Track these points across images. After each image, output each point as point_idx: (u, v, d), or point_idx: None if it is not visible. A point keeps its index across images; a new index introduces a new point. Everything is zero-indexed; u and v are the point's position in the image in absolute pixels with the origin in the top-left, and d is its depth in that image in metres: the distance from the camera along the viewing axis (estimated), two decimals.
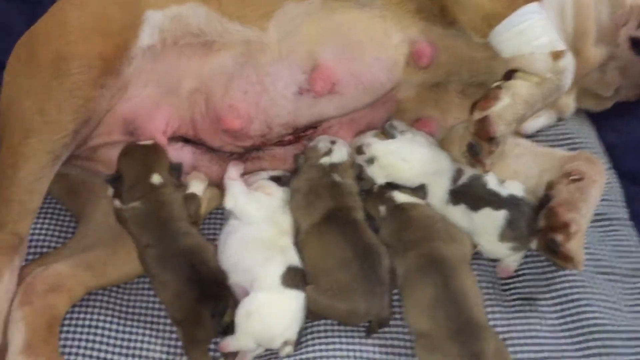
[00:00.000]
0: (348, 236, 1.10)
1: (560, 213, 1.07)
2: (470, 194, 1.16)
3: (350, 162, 1.21)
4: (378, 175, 1.20)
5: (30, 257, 1.16)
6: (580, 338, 1.07)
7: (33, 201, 1.06)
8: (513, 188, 1.16)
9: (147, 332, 1.10)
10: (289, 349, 1.05)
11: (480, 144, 1.09)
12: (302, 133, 1.24)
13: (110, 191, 1.15)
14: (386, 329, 1.09)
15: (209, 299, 1.04)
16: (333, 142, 1.21)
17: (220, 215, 1.26)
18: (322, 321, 1.11)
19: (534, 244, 1.13)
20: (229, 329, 1.05)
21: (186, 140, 1.21)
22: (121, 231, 1.12)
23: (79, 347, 1.05)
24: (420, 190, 1.18)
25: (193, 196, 1.15)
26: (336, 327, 1.10)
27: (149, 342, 1.09)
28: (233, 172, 1.21)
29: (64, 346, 1.05)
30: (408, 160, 1.19)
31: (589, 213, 1.11)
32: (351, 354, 1.06)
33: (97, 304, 1.11)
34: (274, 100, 1.16)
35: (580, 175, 1.13)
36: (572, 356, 1.06)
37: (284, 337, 1.05)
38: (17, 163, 1.04)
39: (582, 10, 1.23)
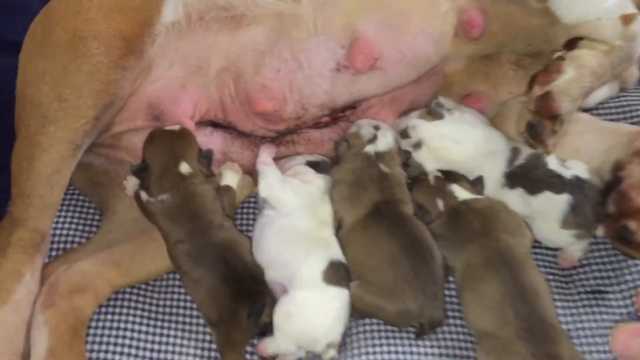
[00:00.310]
0: (396, 231, 1.01)
1: (633, 197, 0.97)
2: (529, 176, 1.06)
3: (397, 149, 1.10)
4: (427, 160, 1.10)
5: (53, 253, 1.09)
6: None
7: (53, 195, 0.98)
8: (577, 169, 1.06)
9: (179, 333, 1.02)
10: (332, 353, 0.97)
11: (542, 122, 0.99)
12: (339, 114, 1.14)
13: (130, 185, 1.06)
14: (439, 331, 1.00)
15: (245, 297, 0.96)
16: (377, 128, 1.11)
17: (253, 205, 1.17)
18: (368, 320, 1.02)
19: (600, 231, 1.04)
20: (267, 330, 0.97)
21: (215, 124, 1.12)
22: (148, 224, 1.04)
23: (106, 351, 0.98)
24: (478, 183, 1.08)
25: (227, 189, 1.07)
26: (383, 328, 1.01)
27: (181, 345, 1.01)
28: (266, 155, 1.11)
29: (91, 350, 0.97)
30: (460, 142, 1.09)
31: None
32: (401, 357, 0.97)
33: (125, 303, 1.03)
34: (309, 78, 1.06)
35: None
36: None
37: (327, 339, 0.96)
38: (35, 154, 0.96)
39: None
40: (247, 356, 0.99)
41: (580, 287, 1.05)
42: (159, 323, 1.02)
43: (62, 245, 1.10)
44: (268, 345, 0.97)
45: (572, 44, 1.00)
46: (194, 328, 1.03)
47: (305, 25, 1.05)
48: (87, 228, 1.13)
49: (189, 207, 1.01)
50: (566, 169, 1.05)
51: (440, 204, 1.06)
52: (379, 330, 1.00)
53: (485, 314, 0.94)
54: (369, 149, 1.09)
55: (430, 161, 1.09)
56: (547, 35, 1.08)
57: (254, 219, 1.14)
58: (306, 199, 1.06)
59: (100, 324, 1.00)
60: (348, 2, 1.06)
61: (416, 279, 0.97)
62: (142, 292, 1.06)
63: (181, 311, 1.05)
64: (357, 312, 1.01)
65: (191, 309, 1.05)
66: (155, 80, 1.05)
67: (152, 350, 1.00)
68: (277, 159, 1.13)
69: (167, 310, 1.05)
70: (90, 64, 0.97)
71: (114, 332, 1.00)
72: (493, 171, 1.08)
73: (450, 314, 1.02)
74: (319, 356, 0.97)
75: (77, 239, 1.11)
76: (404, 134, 1.11)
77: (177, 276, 1.07)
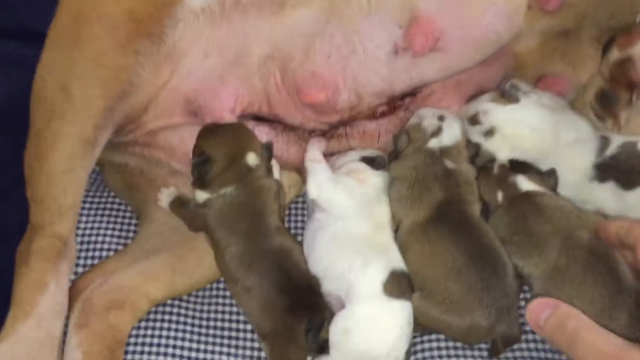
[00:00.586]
0: (461, 237, 0.89)
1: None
2: (622, 168, 0.93)
3: (464, 142, 0.98)
4: (500, 149, 0.97)
5: (89, 262, 1.00)
6: None
7: (67, 197, 0.88)
8: None
9: (225, 349, 0.93)
10: None
11: (617, 91, 0.87)
12: (398, 102, 1.02)
13: (165, 195, 0.97)
14: (515, 348, 0.89)
15: (303, 310, 0.87)
16: (441, 118, 0.98)
17: (302, 206, 1.07)
18: (434, 336, 0.91)
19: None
20: (325, 347, 0.87)
21: (258, 118, 1.01)
22: (188, 232, 0.96)
23: None
24: (550, 176, 0.95)
25: (280, 185, 0.98)
26: (452, 344, 0.90)
27: None
28: (315, 151, 1.00)
29: None
30: (538, 128, 0.96)
31: None
32: None
33: (167, 317, 0.94)
34: (364, 63, 0.94)
35: None
36: None
37: (390, 358, 0.85)
38: (43, 153, 0.87)
39: None
40: None
41: None
42: (202, 338, 0.93)
43: (97, 254, 1.01)
44: None
45: None
46: (241, 343, 0.94)
47: (358, 4, 0.93)
48: (123, 234, 1.04)
49: (252, 203, 0.92)
50: None
51: (500, 195, 0.94)
52: (448, 348, 0.90)
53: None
54: (433, 143, 0.97)
55: (503, 150, 0.97)
56: (635, 5, 0.95)
57: (303, 223, 1.03)
58: (361, 200, 0.95)
59: (140, 339, 0.92)
60: None
61: (486, 291, 0.85)
62: (184, 305, 0.96)
63: (227, 325, 0.95)
64: (420, 326, 0.90)
65: (238, 322, 0.96)
66: (190, 72, 0.95)
67: None
68: (327, 155, 1.02)
69: (212, 324, 0.95)
70: (94, 48, 0.88)
71: (154, 349, 0.91)
72: (579, 162, 0.95)
73: (529, 328, 0.90)
74: None
75: (113, 246, 1.02)
76: (473, 120, 0.99)
77: (222, 286, 0.99)
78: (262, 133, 1.01)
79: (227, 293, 0.98)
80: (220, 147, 0.95)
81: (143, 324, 0.93)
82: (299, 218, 1.06)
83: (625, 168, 0.92)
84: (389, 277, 0.88)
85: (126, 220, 1.06)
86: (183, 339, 0.92)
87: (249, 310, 0.91)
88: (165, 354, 0.91)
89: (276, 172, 0.99)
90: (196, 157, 0.96)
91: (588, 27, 1.00)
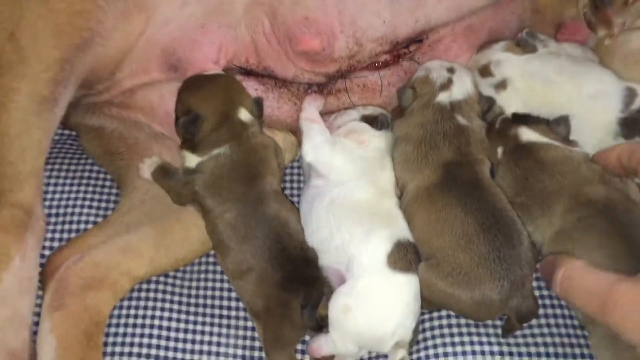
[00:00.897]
0: (472, 202, 0.81)
1: None
2: None
3: (476, 96, 0.88)
4: (512, 103, 0.88)
5: (65, 235, 0.92)
6: None
7: (26, 161, 0.79)
8: None
9: (216, 329, 0.86)
10: (402, 354, 0.79)
11: None
12: (402, 50, 0.92)
13: (147, 165, 0.88)
14: (533, 324, 0.81)
15: (298, 284, 0.79)
16: (451, 70, 0.89)
17: (297, 171, 0.98)
18: (444, 313, 0.83)
19: None
20: (323, 325, 0.80)
21: (247, 72, 0.91)
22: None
23: (130, 353, 0.82)
24: (560, 123, 0.85)
25: (277, 143, 0.89)
26: (463, 322, 0.82)
27: (218, 343, 0.84)
28: (311, 109, 0.91)
29: (112, 354, 0.81)
30: (555, 80, 0.87)
31: None
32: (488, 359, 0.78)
33: (151, 295, 0.86)
34: (363, 5, 0.85)
35: None
36: None
37: (395, 337, 0.78)
38: None
39: None
40: (297, 356, 0.83)
41: None
42: (191, 318, 0.86)
43: (74, 226, 0.93)
44: (323, 345, 0.80)
45: None
46: (233, 322, 0.86)
47: None
48: (103, 204, 0.95)
49: (249, 163, 0.84)
50: None
51: (499, 151, 0.86)
52: (459, 325, 0.82)
53: None
54: (443, 97, 0.87)
55: (516, 104, 0.88)
56: None
57: (299, 190, 0.94)
58: (362, 163, 0.86)
59: (123, 320, 0.84)
60: None
61: (498, 262, 0.78)
62: (170, 282, 0.88)
63: (217, 302, 0.88)
64: (427, 302, 0.82)
65: (230, 299, 0.88)
66: (168, 21, 0.85)
67: (184, 350, 0.83)
68: (325, 115, 0.92)
69: (201, 301, 0.87)
70: None
71: (138, 331, 0.83)
72: (602, 117, 0.86)
73: (548, 302, 0.83)
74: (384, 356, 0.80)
75: (92, 218, 0.93)
76: (484, 71, 0.89)
77: (211, 260, 0.91)
78: (251, 89, 0.91)
79: (218, 268, 0.90)
80: (210, 101, 0.85)
81: (126, 302, 0.85)
82: (295, 185, 0.97)
83: None
84: (393, 248, 0.80)
85: (106, 190, 0.97)
86: (170, 319, 0.85)
87: (240, 285, 0.83)
88: (151, 336, 0.83)
89: None
90: (181, 115, 0.86)
91: None
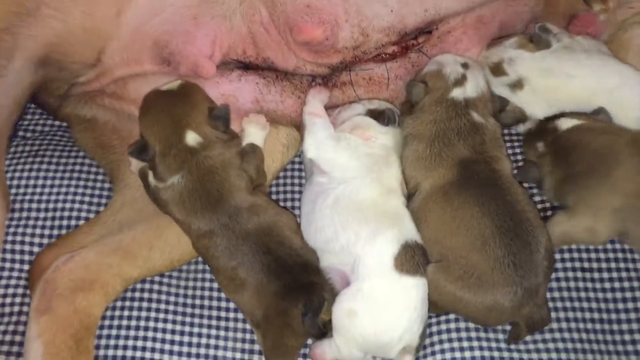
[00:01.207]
0: (490, 203, 0.77)
1: None
2: None
3: (489, 94, 0.84)
4: (531, 103, 0.85)
5: (55, 232, 0.88)
6: None
7: None
8: None
9: (214, 332, 0.82)
10: (409, 359, 0.75)
11: None
12: (410, 41, 0.88)
13: (134, 166, 0.84)
14: (545, 330, 0.78)
15: (297, 292, 0.76)
16: (465, 66, 0.85)
17: (299, 167, 0.94)
18: (452, 317, 0.79)
19: None
20: (326, 331, 0.76)
21: (246, 66, 0.87)
22: None
23: (123, 358, 0.78)
24: (600, 113, 0.84)
25: (252, 149, 0.83)
26: (472, 326, 0.80)
27: (215, 347, 0.81)
28: (315, 103, 0.87)
29: (105, 358, 0.78)
30: (575, 75, 0.84)
31: None
32: None
33: (146, 296, 0.83)
34: None
35: None
36: None
37: (402, 342, 0.75)
38: None
39: None
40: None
41: None
42: (187, 319, 0.82)
43: (65, 222, 0.89)
44: (326, 350, 0.77)
45: None
46: (231, 325, 0.83)
47: None
48: (95, 200, 0.91)
49: (207, 190, 0.78)
50: None
51: (540, 145, 0.83)
52: (468, 329, 0.79)
53: None
54: (457, 93, 0.83)
55: (537, 106, 0.84)
56: None
57: (301, 186, 0.91)
58: (367, 160, 0.83)
59: (115, 323, 0.80)
60: None
61: (513, 267, 0.75)
62: (165, 282, 0.85)
63: (215, 304, 0.84)
64: (434, 305, 0.79)
65: (228, 300, 0.84)
66: (157, 12, 0.81)
67: (179, 354, 0.80)
68: (329, 109, 0.88)
69: (198, 302, 0.84)
70: None
71: (132, 334, 0.80)
72: (625, 109, 0.83)
73: (559, 305, 0.80)
74: None
75: (83, 214, 0.89)
76: (497, 69, 0.86)
77: None
78: (250, 84, 0.87)
79: None
80: (154, 128, 0.80)
81: (119, 304, 0.82)
82: (296, 181, 0.93)
83: None
84: (400, 250, 0.77)
85: (98, 185, 0.93)
86: (165, 321, 0.81)
87: (237, 299, 0.80)
88: (145, 339, 0.80)
89: (258, 134, 0.85)
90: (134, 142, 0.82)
91: None
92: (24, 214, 0.88)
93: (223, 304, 0.84)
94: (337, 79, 0.88)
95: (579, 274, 0.83)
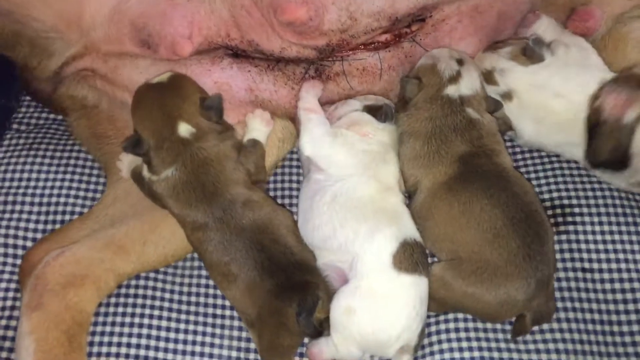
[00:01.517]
0: (499, 195, 0.76)
1: None
2: None
3: (483, 92, 0.84)
4: (519, 119, 0.86)
5: (49, 226, 0.86)
6: None
7: None
8: None
9: (209, 328, 0.81)
10: (407, 359, 0.74)
11: None
12: (403, 29, 0.86)
13: (126, 163, 0.83)
14: (545, 329, 0.78)
15: (291, 292, 0.74)
16: (460, 62, 0.84)
17: (296, 164, 0.92)
18: (451, 316, 0.78)
19: None
20: (322, 330, 0.75)
21: (235, 53, 0.85)
22: None
23: (117, 355, 0.77)
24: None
25: (253, 145, 0.82)
26: (471, 326, 0.78)
27: (211, 344, 0.80)
28: (310, 98, 0.85)
29: (98, 354, 0.76)
30: (563, 94, 0.84)
31: None
32: None
33: (140, 292, 0.82)
34: None
35: None
36: None
37: (400, 341, 0.74)
38: None
39: None
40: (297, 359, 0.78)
41: None
42: (182, 316, 0.81)
43: (59, 217, 0.87)
44: (324, 349, 0.76)
45: None
46: (227, 322, 0.82)
47: None
48: (90, 194, 0.90)
49: (201, 182, 0.77)
50: None
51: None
52: (467, 329, 0.78)
53: None
54: (451, 90, 0.82)
55: (522, 119, 0.86)
56: None
57: (299, 182, 0.90)
58: (364, 157, 0.82)
59: (109, 319, 0.79)
60: None
61: (527, 260, 0.74)
62: (160, 278, 0.83)
63: (210, 301, 0.83)
64: (436, 303, 0.78)
65: (224, 297, 0.83)
66: None
67: (174, 351, 0.78)
68: (324, 104, 0.87)
69: (193, 299, 0.83)
70: None
71: (126, 330, 0.78)
72: None
73: (560, 305, 0.79)
74: None
75: (77, 209, 0.88)
76: (488, 77, 0.86)
77: None
78: (242, 72, 0.85)
79: None
80: (146, 121, 0.79)
81: (113, 300, 0.80)
82: (294, 178, 0.92)
83: None
84: (399, 247, 0.76)
85: (93, 178, 0.91)
86: (160, 318, 0.80)
87: (230, 296, 0.78)
88: (139, 336, 0.78)
89: (262, 130, 0.84)
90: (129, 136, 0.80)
91: None
92: (17, 208, 0.87)
93: (219, 301, 0.82)
94: (330, 69, 0.87)
95: (580, 274, 0.82)
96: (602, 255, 0.83)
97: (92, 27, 0.81)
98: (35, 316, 0.73)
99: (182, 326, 0.80)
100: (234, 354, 0.79)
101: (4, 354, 0.77)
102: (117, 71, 0.85)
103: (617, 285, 0.81)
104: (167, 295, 0.82)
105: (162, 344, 0.78)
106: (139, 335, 0.78)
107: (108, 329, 0.78)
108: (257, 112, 0.85)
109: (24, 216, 0.86)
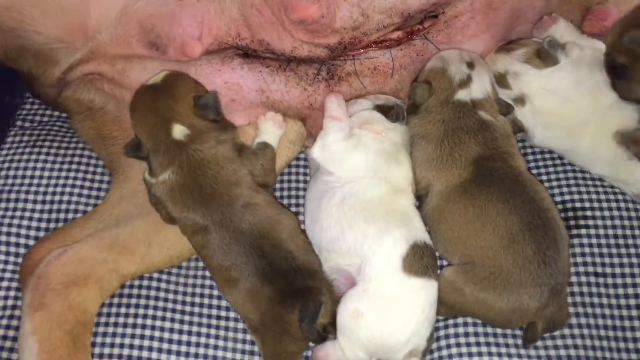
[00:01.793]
0: (515, 199, 0.75)
1: None
2: None
3: (495, 95, 0.83)
4: (532, 122, 0.84)
5: (52, 225, 0.85)
6: None
7: None
8: None
9: (213, 330, 0.80)
10: None
11: None
12: (416, 26, 0.84)
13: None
14: (557, 335, 0.76)
15: (292, 298, 0.73)
16: (470, 65, 0.83)
17: (303, 164, 0.91)
18: (460, 320, 0.77)
19: None
20: (327, 334, 0.74)
21: (245, 53, 0.84)
22: None
23: (121, 356, 0.76)
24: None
25: (263, 147, 0.81)
26: (481, 330, 0.77)
27: (215, 346, 0.79)
28: (335, 107, 0.82)
29: (101, 356, 0.75)
30: (574, 100, 0.83)
31: None
32: None
33: (144, 292, 0.80)
34: None
35: None
36: None
37: (409, 346, 0.73)
38: None
39: None
40: None
41: None
42: (187, 318, 0.80)
43: (62, 216, 0.86)
44: (330, 353, 0.74)
45: None
46: (231, 324, 0.80)
47: None
48: (94, 193, 0.88)
49: (198, 184, 0.76)
50: None
51: None
52: (476, 334, 0.76)
53: None
54: (462, 95, 0.81)
55: (534, 124, 0.84)
56: None
57: (305, 183, 0.88)
58: (377, 158, 0.80)
59: (112, 320, 0.78)
60: None
61: (542, 266, 0.72)
62: (164, 278, 0.82)
63: (215, 302, 0.82)
64: (445, 307, 0.76)
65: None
66: None
67: (178, 353, 0.77)
68: None
69: (197, 301, 0.81)
70: None
71: (129, 331, 0.77)
72: (621, 126, 0.82)
73: (571, 310, 0.77)
74: None
75: (81, 207, 0.87)
76: (501, 80, 0.84)
77: None
78: (253, 72, 0.84)
79: None
80: (142, 124, 0.78)
81: (116, 300, 0.79)
82: (301, 178, 0.90)
83: None
84: (409, 250, 0.74)
85: (97, 177, 0.90)
86: (164, 319, 0.79)
87: (232, 300, 0.77)
88: (143, 337, 0.77)
89: (273, 133, 0.82)
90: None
91: None
92: (20, 205, 0.85)
93: (224, 303, 0.81)
94: (342, 69, 0.85)
95: (592, 279, 0.80)
96: (615, 260, 0.81)
97: (97, 31, 0.80)
98: (37, 316, 0.71)
99: (186, 327, 0.79)
100: (238, 356, 0.78)
101: (5, 354, 0.76)
102: (125, 74, 0.84)
103: (630, 290, 0.80)
104: (171, 296, 0.81)
105: (165, 346, 0.77)
106: (143, 337, 0.77)
107: (111, 329, 0.77)
108: (269, 115, 0.84)
109: (27, 214, 0.85)
